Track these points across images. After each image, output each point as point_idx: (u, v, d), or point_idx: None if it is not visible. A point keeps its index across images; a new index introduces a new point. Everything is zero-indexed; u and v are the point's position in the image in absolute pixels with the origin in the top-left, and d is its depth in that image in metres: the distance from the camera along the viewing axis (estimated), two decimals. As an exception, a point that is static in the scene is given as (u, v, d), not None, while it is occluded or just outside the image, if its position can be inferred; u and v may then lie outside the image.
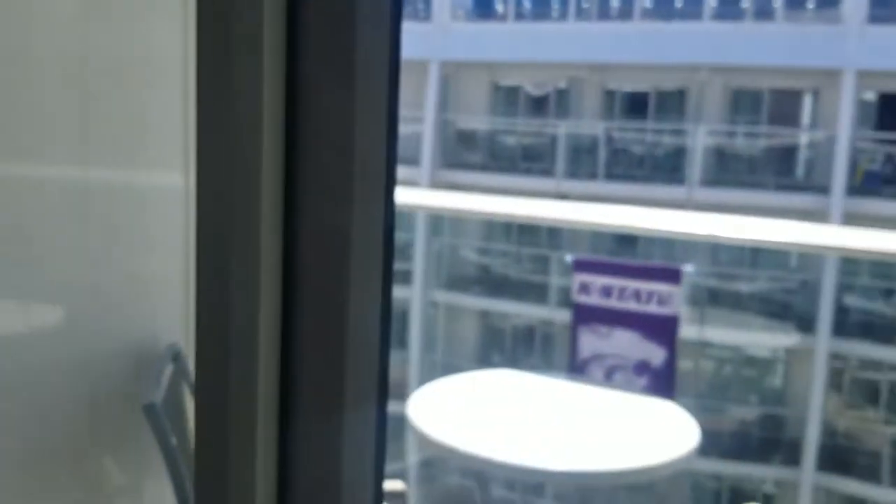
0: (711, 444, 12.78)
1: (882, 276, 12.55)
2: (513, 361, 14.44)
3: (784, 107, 13.52)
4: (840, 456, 12.30)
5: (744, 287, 13.08)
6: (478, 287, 14.79)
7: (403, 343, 14.57)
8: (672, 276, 2.52)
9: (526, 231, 13.66)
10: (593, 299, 2.60)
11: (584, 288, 2.63)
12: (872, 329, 12.53)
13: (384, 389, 0.70)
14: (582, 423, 2.20)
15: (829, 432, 12.51)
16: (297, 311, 0.66)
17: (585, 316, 2.63)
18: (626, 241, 11.14)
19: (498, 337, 14.93)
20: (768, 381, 14.02)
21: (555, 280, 13.01)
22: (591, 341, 2.60)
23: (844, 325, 12.53)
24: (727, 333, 13.34)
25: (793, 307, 13.04)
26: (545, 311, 13.27)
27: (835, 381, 13.10)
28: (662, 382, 2.53)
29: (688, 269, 2.52)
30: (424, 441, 2.01)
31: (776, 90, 13.42)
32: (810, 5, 13.61)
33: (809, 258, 12.47)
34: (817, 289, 12.53)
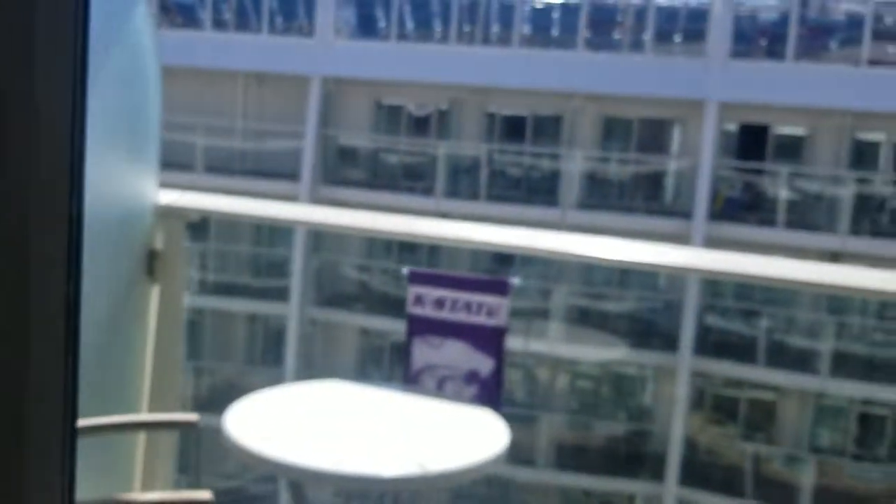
0: (581, 460, 13.11)
1: (741, 298, 13.20)
2: (390, 378, 14.43)
3: (652, 135, 14.13)
4: (702, 471, 12.81)
5: (612, 307, 13.53)
6: (358, 304, 14.76)
7: (280, 361, 14.37)
8: (500, 288, 2.62)
9: (406, 249, 13.74)
10: (427, 311, 2.67)
11: (419, 300, 2.69)
12: (732, 348, 13.14)
13: (73, 406, 0.71)
14: (397, 431, 2.26)
15: (691, 447, 13.02)
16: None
17: (419, 327, 2.69)
18: (504, 260, 11.37)
19: (377, 354, 14.92)
20: (636, 398, 14.49)
21: (432, 298, 13.08)
22: (423, 352, 2.66)
23: (706, 344, 13.10)
24: (596, 351, 13.74)
25: (658, 326, 13.55)
26: (423, 328, 13.31)
27: (698, 398, 13.66)
28: (489, 392, 2.61)
29: (515, 281, 2.62)
30: (235, 450, 2.02)
31: (645, 119, 14.01)
32: (677, 39, 14.29)
33: (675, 280, 13.00)
34: (681, 309, 13.07)
